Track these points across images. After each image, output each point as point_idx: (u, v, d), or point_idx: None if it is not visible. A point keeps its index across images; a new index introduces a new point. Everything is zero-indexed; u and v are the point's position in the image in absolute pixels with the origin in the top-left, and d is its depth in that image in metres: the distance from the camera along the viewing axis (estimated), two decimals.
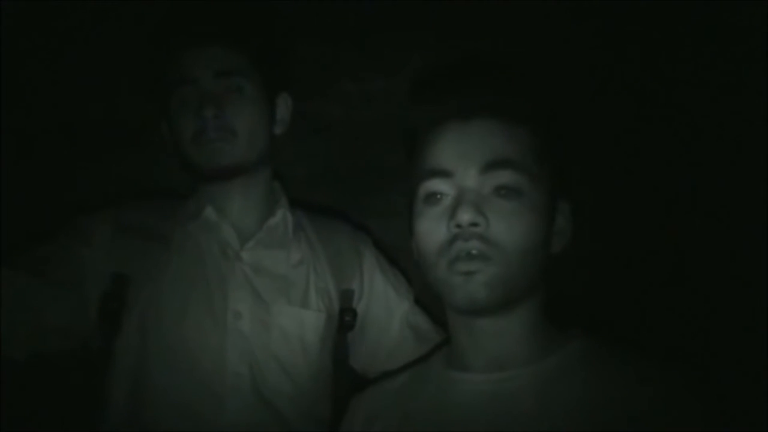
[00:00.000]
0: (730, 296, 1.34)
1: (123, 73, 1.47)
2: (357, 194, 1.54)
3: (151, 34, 1.33)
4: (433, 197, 0.89)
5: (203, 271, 1.22)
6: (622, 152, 1.45)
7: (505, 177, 0.86)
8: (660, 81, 1.41)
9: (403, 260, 1.42)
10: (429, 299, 1.37)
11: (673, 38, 1.39)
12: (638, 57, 1.42)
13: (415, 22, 1.49)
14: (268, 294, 1.23)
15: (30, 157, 1.45)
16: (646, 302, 1.39)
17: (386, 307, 1.32)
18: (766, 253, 1.31)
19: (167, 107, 1.23)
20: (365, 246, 1.36)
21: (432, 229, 0.88)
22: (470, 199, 0.86)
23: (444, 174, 0.88)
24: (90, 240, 1.22)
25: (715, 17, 1.33)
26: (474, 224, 0.84)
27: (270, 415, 1.17)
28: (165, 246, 1.24)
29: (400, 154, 1.48)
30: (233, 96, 1.21)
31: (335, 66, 1.54)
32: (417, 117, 0.95)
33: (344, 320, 1.27)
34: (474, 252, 0.84)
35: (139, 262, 1.21)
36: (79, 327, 1.19)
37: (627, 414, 0.79)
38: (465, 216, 0.84)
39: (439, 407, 0.91)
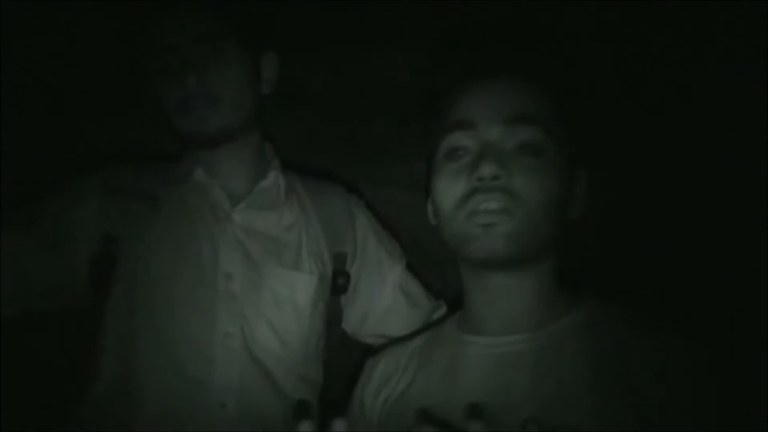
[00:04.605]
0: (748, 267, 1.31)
1: (109, 37, 1.42)
2: (341, 163, 1.53)
3: (126, 2, 1.29)
4: (454, 152, 0.90)
5: (193, 233, 1.20)
6: (639, 120, 1.42)
7: (528, 134, 0.87)
8: (685, 47, 1.36)
9: (390, 228, 1.42)
10: (421, 265, 1.38)
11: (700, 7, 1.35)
12: (662, 22, 1.37)
13: None
14: (260, 256, 1.21)
15: (17, 122, 1.41)
16: (661, 271, 1.38)
17: (379, 271, 1.32)
18: None
19: (152, 74, 1.20)
20: (358, 208, 1.35)
21: (451, 184, 0.89)
22: (492, 153, 0.86)
23: (467, 125, 0.89)
24: (79, 201, 1.20)
25: None
26: (496, 177, 0.85)
27: (259, 374, 1.17)
28: (155, 207, 1.21)
29: (386, 123, 1.51)
30: (215, 61, 1.18)
31: (322, 33, 1.52)
32: (439, 77, 0.96)
33: (337, 283, 1.27)
34: (494, 206, 0.84)
35: (128, 223, 1.19)
36: (68, 287, 1.17)
37: (633, 380, 0.80)
38: (487, 169, 0.85)
39: (450, 369, 0.92)
